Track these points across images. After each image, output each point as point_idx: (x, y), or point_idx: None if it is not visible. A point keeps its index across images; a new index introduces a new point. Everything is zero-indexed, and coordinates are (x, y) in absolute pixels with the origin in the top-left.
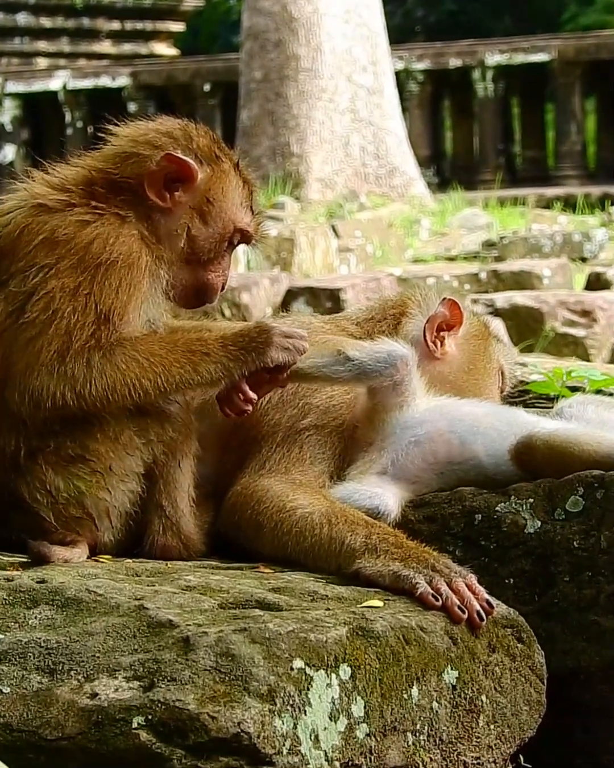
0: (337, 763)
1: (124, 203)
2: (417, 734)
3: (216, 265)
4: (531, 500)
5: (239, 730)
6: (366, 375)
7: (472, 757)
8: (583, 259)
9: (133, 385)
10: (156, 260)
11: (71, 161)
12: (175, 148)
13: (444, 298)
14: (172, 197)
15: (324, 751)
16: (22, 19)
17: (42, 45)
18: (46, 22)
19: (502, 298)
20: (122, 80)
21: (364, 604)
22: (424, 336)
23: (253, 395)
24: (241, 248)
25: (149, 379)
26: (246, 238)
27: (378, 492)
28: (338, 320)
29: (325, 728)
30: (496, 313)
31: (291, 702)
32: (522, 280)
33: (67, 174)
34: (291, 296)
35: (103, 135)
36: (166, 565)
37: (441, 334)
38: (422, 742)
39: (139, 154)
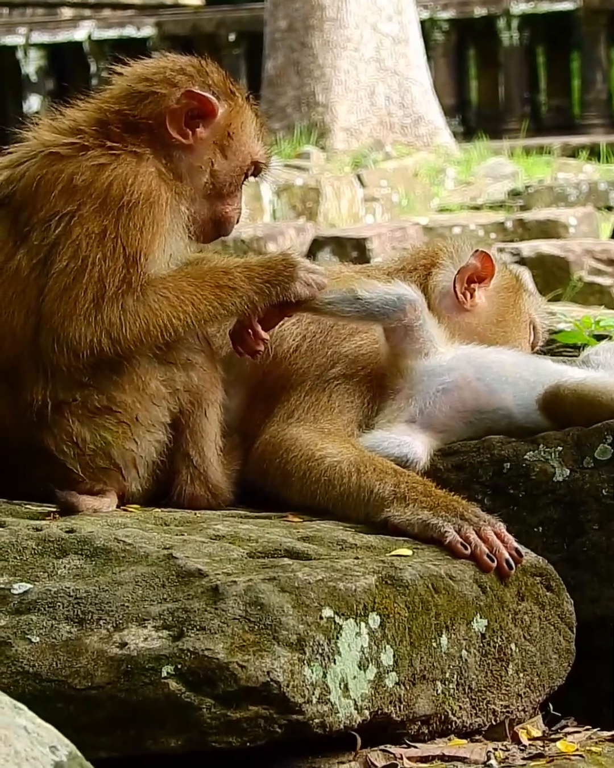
0: (367, 712)
1: (141, 141)
2: (447, 683)
3: (233, 197)
4: (560, 449)
5: (268, 679)
6: (373, 315)
7: (501, 705)
8: (609, 208)
9: (166, 325)
10: (176, 196)
11: (79, 105)
12: (192, 84)
13: (476, 250)
14: (193, 133)
15: (354, 699)
16: None
17: None
18: None
19: (528, 247)
20: (147, 30)
21: (393, 553)
22: (454, 287)
23: (265, 335)
24: (267, 198)
25: (179, 317)
26: (258, 169)
27: (407, 440)
28: (369, 270)
29: (354, 677)
30: (522, 262)
31: (320, 651)
32: (548, 229)
33: (78, 116)
34: (317, 246)
35: (110, 75)
36: (195, 514)
37: (472, 285)
38: (451, 691)
39: (156, 93)
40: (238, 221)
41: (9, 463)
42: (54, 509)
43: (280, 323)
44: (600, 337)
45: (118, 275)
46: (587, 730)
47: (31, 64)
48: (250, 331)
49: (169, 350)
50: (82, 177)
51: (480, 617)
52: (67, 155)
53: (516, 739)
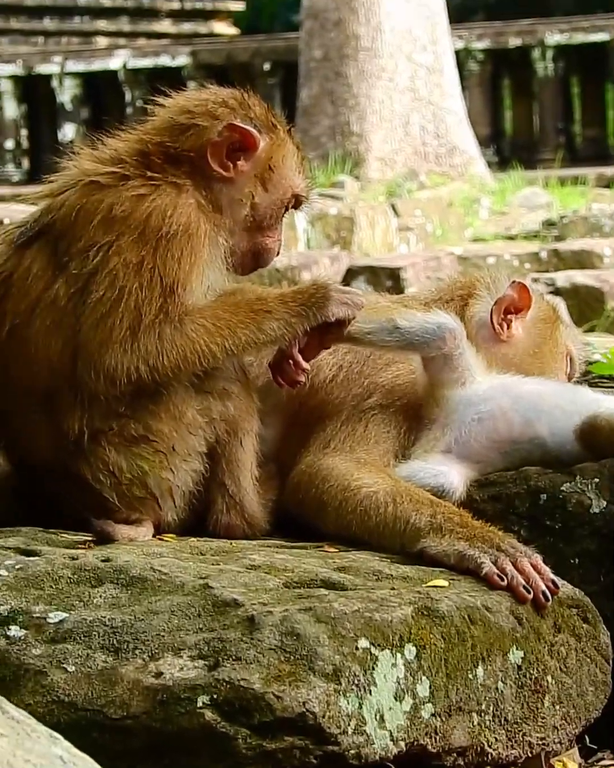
0: (402, 743)
1: (182, 173)
2: (483, 714)
3: (273, 230)
4: (597, 480)
5: (304, 710)
6: (413, 345)
7: (537, 737)
8: None
9: (203, 352)
10: (214, 227)
11: (120, 135)
12: (234, 117)
13: (513, 281)
14: (235, 166)
15: (390, 730)
16: None
17: (102, 24)
18: (105, 1)
19: (563, 278)
20: (182, 59)
21: (429, 584)
22: (491, 318)
23: (305, 365)
24: (301, 227)
25: (217, 343)
26: (299, 202)
27: (443, 470)
28: (406, 300)
29: (390, 708)
30: (557, 292)
31: (356, 681)
32: (582, 260)
33: (119, 146)
34: (351, 275)
35: (151, 107)
36: (231, 543)
37: (509, 316)
38: (487, 723)
39: (197, 125)
40: (278, 253)
41: (45, 491)
42: (89, 538)
43: (320, 354)
44: None
45: (155, 304)
46: None
47: (66, 93)
48: (290, 361)
49: (205, 379)
50: (121, 207)
51: (517, 649)
52: (107, 185)
53: None
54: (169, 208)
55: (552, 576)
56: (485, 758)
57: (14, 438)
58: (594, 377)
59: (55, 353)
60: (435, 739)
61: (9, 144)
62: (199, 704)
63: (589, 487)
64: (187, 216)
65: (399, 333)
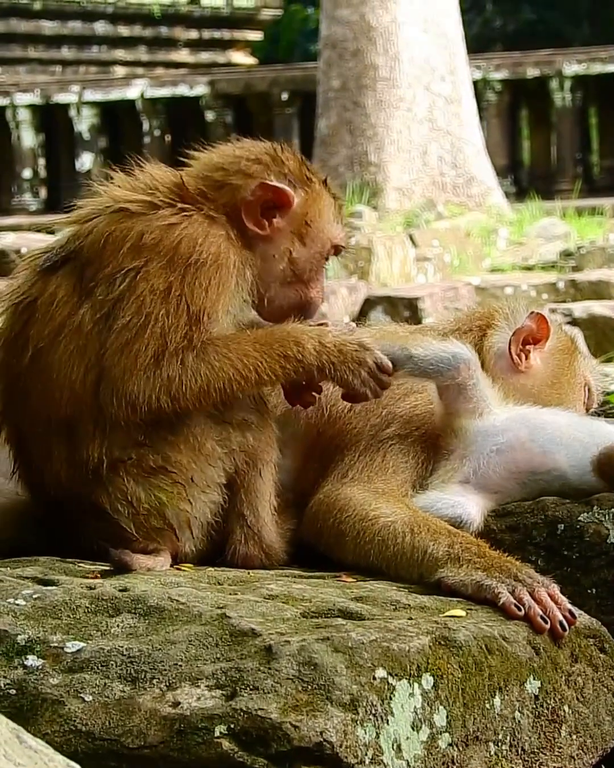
0: None
1: (217, 206)
2: (500, 744)
3: (315, 281)
4: None
5: (321, 740)
6: (426, 373)
7: (554, 767)
8: None
9: (225, 386)
10: (242, 261)
11: (157, 165)
12: (267, 174)
13: (531, 312)
14: (270, 224)
15: (407, 760)
16: (101, 27)
17: (120, 53)
18: (123, 30)
19: (580, 308)
20: (200, 89)
21: (447, 614)
22: (510, 349)
23: (319, 388)
24: None
25: (239, 381)
26: (338, 250)
27: (461, 501)
28: (424, 330)
29: (408, 738)
30: (574, 322)
31: (373, 711)
32: (600, 290)
33: (155, 174)
34: (369, 305)
35: (185, 159)
36: (248, 573)
37: (527, 347)
38: (504, 752)
39: (231, 184)
40: (322, 302)
41: (63, 518)
42: (106, 568)
43: None
44: None
45: (180, 332)
46: None
47: (84, 122)
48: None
49: (225, 410)
50: (151, 235)
51: (534, 679)
52: (138, 212)
53: None
54: (200, 236)
55: (569, 606)
56: None
57: (32, 464)
58: (611, 408)
59: (77, 380)
60: None
61: (26, 173)
62: (217, 734)
63: (607, 517)
64: (217, 246)
65: (413, 362)
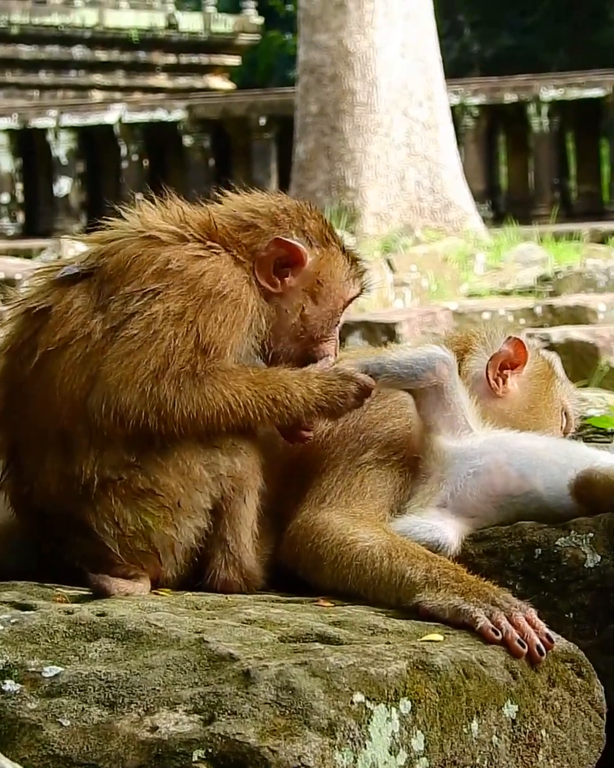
0: None
1: (243, 250)
2: None
3: (327, 339)
4: (591, 535)
5: (299, 764)
6: (403, 378)
7: None
8: None
9: (212, 418)
10: (260, 308)
11: (191, 202)
12: (289, 227)
13: (509, 337)
14: (282, 282)
15: None
16: (78, 52)
17: (97, 78)
18: (101, 55)
19: (558, 333)
20: (178, 114)
21: (424, 638)
22: (487, 373)
23: (308, 429)
24: None
25: (228, 416)
26: (352, 300)
27: (439, 525)
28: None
29: (385, 762)
30: (551, 347)
31: (351, 736)
32: (577, 315)
33: (185, 209)
34: (346, 330)
35: (218, 195)
36: (226, 598)
37: (505, 372)
38: None
39: (257, 227)
40: (335, 356)
41: (48, 533)
42: (85, 592)
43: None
44: None
45: (185, 356)
46: None
47: (62, 147)
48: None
49: (215, 434)
50: (177, 262)
51: (511, 703)
52: (167, 242)
53: None
54: (224, 272)
55: (546, 630)
56: None
57: (23, 474)
58: (588, 432)
59: (78, 390)
60: None
61: (4, 198)
62: (195, 758)
63: (584, 541)
64: (240, 285)
65: (387, 369)
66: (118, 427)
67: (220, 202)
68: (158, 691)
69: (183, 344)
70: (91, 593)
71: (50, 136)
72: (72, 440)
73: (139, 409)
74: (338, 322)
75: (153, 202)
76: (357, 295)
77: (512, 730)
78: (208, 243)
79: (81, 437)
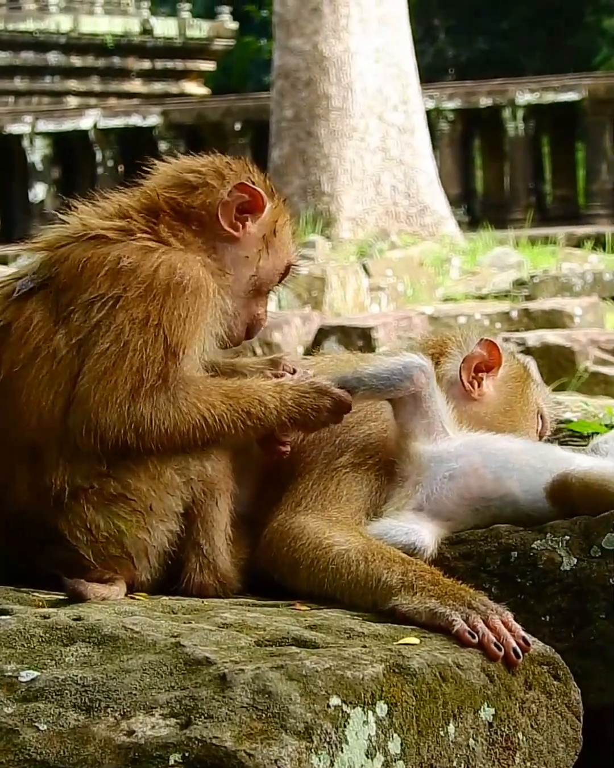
0: None
1: (190, 232)
2: None
3: (266, 299)
4: (567, 537)
5: (276, 767)
6: (381, 390)
7: None
8: None
9: (187, 433)
10: (220, 288)
11: (121, 192)
12: (241, 178)
13: (482, 339)
14: (243, 227)
15: None
16: (53, 58)
17: (72, 84)
18: (76, 61)
19: (534, 337)
20: (153, 119)
21: (401, 642)
22: (461, 376)
23: (285, 443)
24: None
25: (203, 431)
26: (287, 274)
27: (415, 528)
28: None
29: (362, 765)
30: (528, 351)
31: (328, 739)
32: (553, 319)
33: (123, 202)
34: (322, 335)
35: (148, 169)
36: (202, 602)
37: (480, 375)
38: None
39: (208, 184)
40: (265, 322)
41: (21, 543)
42: (61, 597)
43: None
44: (609, 426)
45: (157, 366)
46: None
47: (37, 153)
48: (274, 438)
49: (191, 449)
50: (128, 260)
51: (488, 706)
52: (115, 239)
53: None
54: (178, 262)
55: (523, 633)
56: None
57: None
58: (564, 435)
59: (47, 406)
60: None
61: None
62: (171, 762)
63: (560, 544)
64: (196, 272)
65: (364, 383)
66: (97, 445)
67: (153, 175)
68: (135, 695)
69: (153, 353)
70: (67, 598)
71: (25, 142)
72: (41, 453)
73: (119, 428)
74: (276, 282)
75: (89, 201)
76: (296, 266)
77: (489, 733)
78: (156, 230)
79: (50, 450)
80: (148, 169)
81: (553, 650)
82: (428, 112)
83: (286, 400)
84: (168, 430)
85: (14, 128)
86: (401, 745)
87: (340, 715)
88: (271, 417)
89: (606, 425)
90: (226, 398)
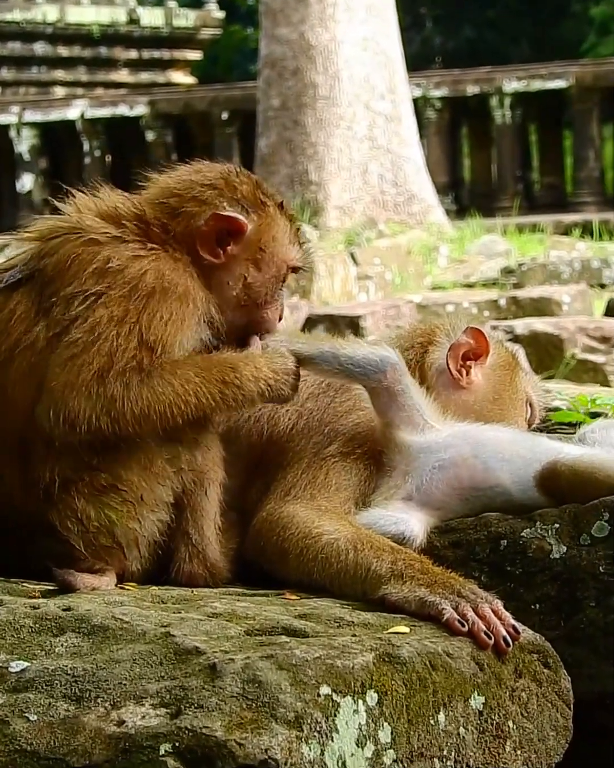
0: None
1: (178, 248)
2: (444, 760)
3: (271, 304)
4: (557, 526)
5: (266, 757)
6: (352, 374)
7: None
8: (602, 286)
9: (165, 411)
10: (206, 301)
11: (121, 193)
12: (220, 201)
13: (467, 327)
14: (225, 252)
15: None
16: (40, 48)
17: (59, 74)
18: (63, 51)
19: (522, 325)
20: (140, 109)
21: (391, 630)
22: (448, 364)
23: None
24: None
25: (180, 407)
26: (296, 270)
27: (404, 517)
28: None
29: (352, 754)
30: (516, 339)
31: (318, 728)
32: (541, 307)
33: (120, 206)
34: (310, 324)
35: (143, 182)
36: (192, 592)
37: (468, 363)
38: None
39: (186, 211)
40: (280, 320)
41: (12, 537)
42: (51, 587)
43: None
44: (595, 415)
45: (129, 353)
46: None
47: (24, 143)
48: None
49: (171, 429)
50: (117, 262)
51: (478, 694)
52: (106, 243)
53: None
54: (165, 270)
55: (512, 621)
56: None
57: None
58: (553, 424)
59: (29, 399)
60: None
61: None
62: (161, 752)
63: (549, 532)
64: (184, 282)
65: (339, 360)
66: (70, 433)
67: (149, 186)
68: (125, 685)
69: (126, 342)
70: (56, 588)
71: (12, 133)
72: (29, 447)
73: (89, 412)
74: (281, 287)
75: (91, 195)
76: (301, 267)
77: (479, 722)
78: (147, 242)
79: (38, 443)
80: (143, 173)
81: (543, 638)
82: (415, 101)
83: (259, 366)
84: (143, 410)
85: (1, 119)
86: (391, 734)
87: (330, 704)
88: (248, 384)
89: (590, 414)
90: (199, 371)
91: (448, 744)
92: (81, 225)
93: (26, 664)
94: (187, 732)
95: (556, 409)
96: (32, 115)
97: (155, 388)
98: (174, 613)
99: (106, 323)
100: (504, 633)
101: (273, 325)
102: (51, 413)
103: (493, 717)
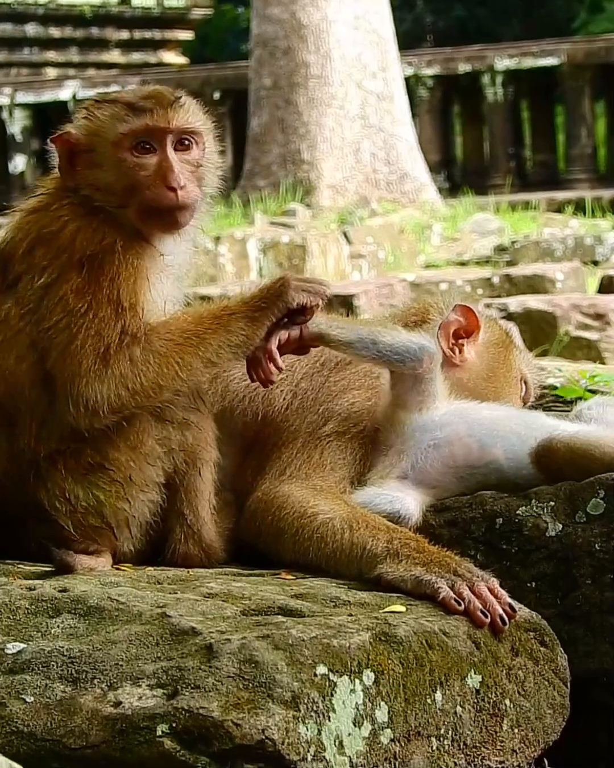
0: None
1: (79, 197)
2: (441, 739)
3: (140, 177)
4: (552, 503)
5: (263, 737)
6: (389, 360)
7: (496, 761)
8: (595, 263)
9: (178, 364)
10: (136, 240)
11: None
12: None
13: (456, 305)
14: (74, 170)
15: (349, 756)
16: (31, 29)
17: (51, 55)
18: (55, 32)
19: (515, 303)
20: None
21: (387, 609)
22: (439, 342)
23: (279, 360)
24: (253, 255)
25: (189, 353)
26: (137, 141)
27: (399, 496)
28: (372, 323)
29: (350, 734)
30: (509, 317)
31: (315, 708)
32: (535, 284)
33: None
34: None
35: None
36: (188, 572)
37: (460, 341)
38: (446, 747)
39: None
40: (177, 185)
41: (5, 517)
42: (48, 568)
43: (297, 352)
44: (593, 392)
45: (114, 325)
46: None
47: (16, 124)
48: (266, 354)
49: (165, 409)
50: (48, 229)
51: (475, 673)
52: (38, 208)
53: None
54: (88, 228)
55: (509, 600)
56: None
57: None
58: (549, 401)
59: (9, 369)
60: (395, 764)
61: None
62: (158, 733)
63: (545, 510)
64: (105, 234)
65: (377, 348)
66: (95, 419)
67: None
68: (121, 666)
69: (103, 314)
70: (52, 569)
71: (5, 114)
72: (14, 417)
73: (107, 394)
74: (135, 156)
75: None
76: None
77: (476, 700)
78: (66, 197)
79: (22, 414)
80: None
81: (539, 616)
82: (407, 79)
83: (244, 293)
84: (156, 373)
85: None
86: (388, 713)
87: (327, 683)
88: (239, 308)
89: (587, 390)
90: (191, 317)
91: (445, 723)
92: (35, 201)
93: (23, 645)
94: (183, 712)
95: (551, 387)
96: (24, 97)
97: (158, 349)
98: (170, 593)
99: (74, 298)
100: (501, 611)
101: (164, 196)
102: (71, 407)
103: (490, 695)
